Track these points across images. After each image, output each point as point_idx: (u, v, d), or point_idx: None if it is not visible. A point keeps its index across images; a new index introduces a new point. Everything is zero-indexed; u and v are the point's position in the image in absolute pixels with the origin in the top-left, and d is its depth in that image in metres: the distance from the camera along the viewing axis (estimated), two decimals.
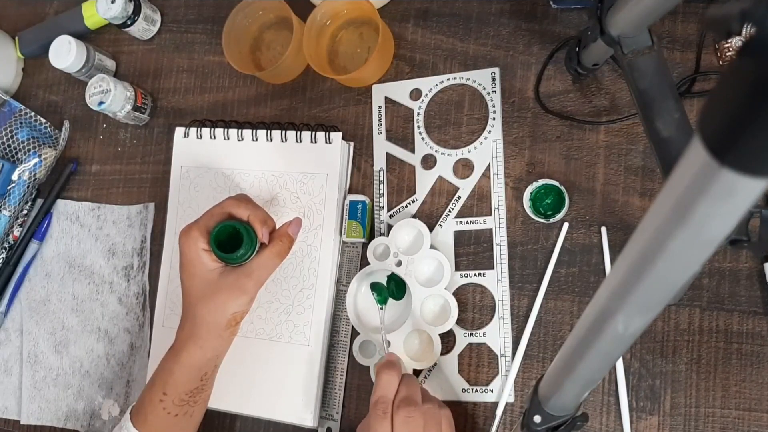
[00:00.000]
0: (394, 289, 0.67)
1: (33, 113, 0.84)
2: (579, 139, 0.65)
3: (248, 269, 0.62)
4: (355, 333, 0.68)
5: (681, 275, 0.28)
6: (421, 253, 0.65)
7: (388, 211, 0.70)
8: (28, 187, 0.82)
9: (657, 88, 0.48)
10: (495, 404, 0.63)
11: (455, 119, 0.69)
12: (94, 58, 0.81)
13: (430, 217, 0.68)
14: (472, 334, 0.65)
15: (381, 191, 0.71)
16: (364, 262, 0.69)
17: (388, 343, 0.65)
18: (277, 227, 0.66)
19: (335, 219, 0.69)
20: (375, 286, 0.67)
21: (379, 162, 0.71)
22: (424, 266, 0.66)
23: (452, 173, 0.68)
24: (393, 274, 0.67)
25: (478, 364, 0.65)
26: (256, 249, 0.63)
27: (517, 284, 0.65)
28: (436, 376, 0.66)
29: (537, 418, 0.44)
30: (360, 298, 0.68)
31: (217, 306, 0.61)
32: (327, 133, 0.70)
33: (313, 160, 0.70)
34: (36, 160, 0.82)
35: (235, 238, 0.62)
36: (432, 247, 0.66)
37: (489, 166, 0.67)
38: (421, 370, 0.66)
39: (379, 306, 0.66)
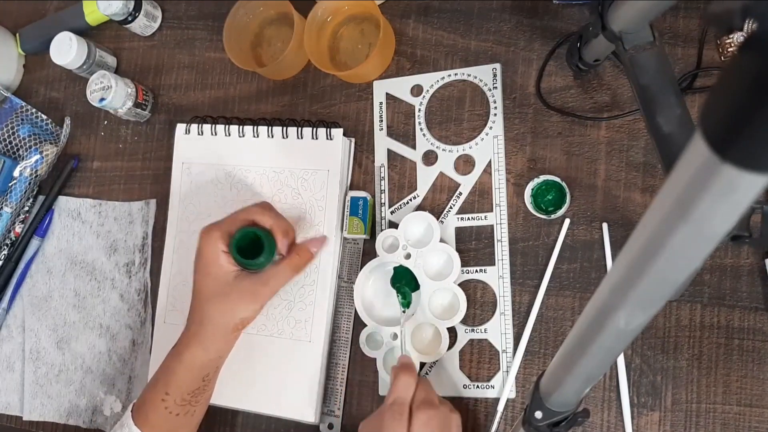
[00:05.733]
0: (401, 282, 0.67)
1: (34, 110, 0.84)
2: (580, 135, 0.65)
3: (264, 277, 0.62)
4: (360, 326, 0.68)
5: (682, 271, 0.28)
6: (430, 246, 0.65)
7: (390, 207, 0.70)
8: (29, 183, 0.82)
9: (658, 84, 0.48)
10: (496, 400, 0.63)
11: (456, 115, 0.69)
12: (95, 54, 0.81)
13: (431, 213, 0.68)
14: (473, 330, 0.65)
15: (382, 187, 0.71)
16: (365, 258, 0.69)
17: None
18: (299, 236, 0.67)
19: (336, 215, 0.69)
20: (400, 289, 0.67)
21: (380, 158, 0.71)
22: (434, 259, 0.66)
23: (453, 169, 0.68)
24: (400, 266, 0.66)
25: (480, 360, 0.65)
26: (275, 258, 0.64)
27: (519, 280, 0.65)
28: (438, 372, 0.66)
29: (538, 414, 0.44)
30: (368, 290, 0.68)
31: (227, 308, 0.61)
32: (328, 130, 0.70)
33: (315, 157, 0.70)
34: (37, 156, 0.82)
35: (255, 244, 0.62)
36: (441, 240, 0.66)
37: (490, 162, 0.67)
38: (424, 364, 0.66)
39: (402, 309, 0.66)
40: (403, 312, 0.66)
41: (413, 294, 0.67)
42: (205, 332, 0.61)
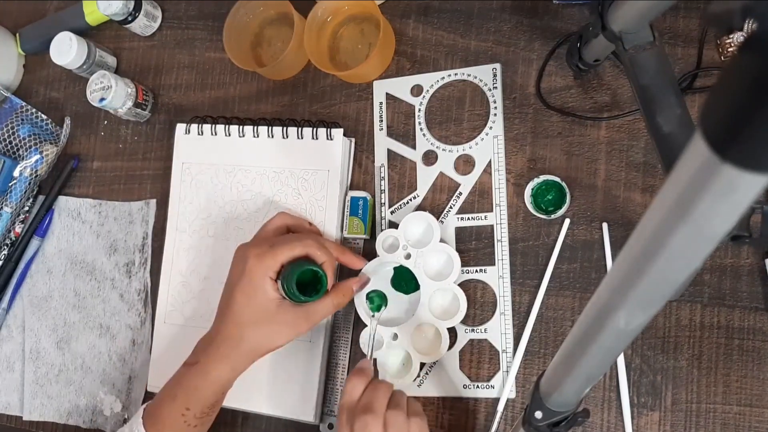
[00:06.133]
0: (401, 282, 0.67)
1: (34, 110, 0.84)
2: (580, 135, 0.65)
3: (308, 311, 0.62)
4: (360, 326, 0.68)
5: (682, 271, 0.28)
6: (431, 246, 0.65)
7: (390, 207, 0.70)
8: (29, 183, 0.82)
9: (658, 84, 0.48)
10: (496, 400, 0.63)
11: (456, 115, 0.69)
12: (95, 54, 0.81)
13: (431, 213, 0.68)
14: (473, 330, 0.65)
15: (382, 187, 0.71)
16: (365, 258, 0.69)
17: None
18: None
19: (336, 215, 0.69)
20: (369, 295, 0.67)
21: (380, 158, 0.71)
22: (434, 259, 0.66)
23: (453, 169, 0.68)
24: (400, 266, 0.66)
25: (480, 360, 0.65)
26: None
27: (519, 280, 0.65)
28: (438, 372, 0.66)
29: (538, 414, 0.44)
30: (368, 290, 0.68)
31: (267, 335, 0.61)
32: (328, 130, 0.70)
33: (315, 157, 0.70)
34: (37, 156, 0.82)
35: (309, 279, 0.62)
36: (441, 240, 0.66)
37: (490, 162, 0.67)
38: (424, 364, 0.66)
39: (371, 314, 0.66)
40: (372, 317, 0.65)
41: (412, 294, 0.67)
42: (239, 355, 0.61)
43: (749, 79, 0.19)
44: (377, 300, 0.66)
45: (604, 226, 0.63)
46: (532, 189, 0.63)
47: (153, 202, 0.80)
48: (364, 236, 0.69)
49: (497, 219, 0.66)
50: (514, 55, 0.68)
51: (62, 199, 0.84)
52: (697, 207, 0.23)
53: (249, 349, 0.61)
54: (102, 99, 0.76)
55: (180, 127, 0.76)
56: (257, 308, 0.61)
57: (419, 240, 0.67)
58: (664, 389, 0.59)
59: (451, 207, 0.68)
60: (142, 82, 0.82)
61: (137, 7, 0.80)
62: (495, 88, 0.68)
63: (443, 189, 0.69)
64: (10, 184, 0.82)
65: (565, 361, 0.39)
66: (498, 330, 0.64)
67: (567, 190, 0.62)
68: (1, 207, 0.82)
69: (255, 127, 0.73)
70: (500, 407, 0.63)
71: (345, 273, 0.69)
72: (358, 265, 0.66)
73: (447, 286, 0.65)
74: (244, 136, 0.73)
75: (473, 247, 0.67)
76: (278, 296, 0.61)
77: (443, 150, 0.69)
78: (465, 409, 0.65)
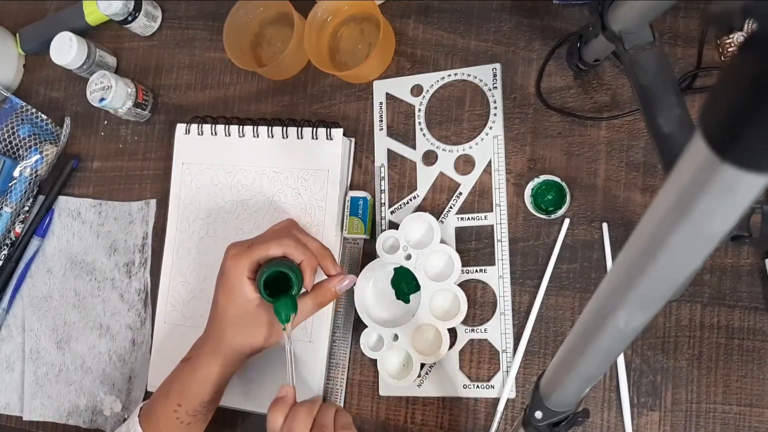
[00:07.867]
0: (402, 282, 0.67)
1: (34, 110, 0.84)
2: (580, 135, 0.65)
3: None
4: (360, 326, 0.68)
5: (682, 271, 0.28)
6: (431, 247, 0.65)
7: (390, 207, 0.70)
8: (29, 183, 0.82)
9: (658, 84, 0.48)
10: (496, 400, 0.63)
11: (456, 115, 0.69)
12: (95, 54, 0.81)
13: (431, 213, 0.68)
14: (473, 330, 0.65)
15: (382, 187, 0.71)
16: (365, 259, 0.69)
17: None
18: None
19: (336, 215, 0.69)
20: (276, 308, 0.59)
21: (380, 158, 0.71)
22: (435, 260, 0.66)
23: (453, 169, 0.68)
24: (401, 266, 0.66)
25: (480, 360, 0.65)
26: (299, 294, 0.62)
27: (519, 280, 0.65)
28: (438, 373, 0.66)
29: (538, 414, 0.44)
30: (368, 290, 0.68)
31: (247, 337, 0.61)
32: (328, 130, 0.70)
33: (315, 157, 0.70)
34: (37, 156, 0.82)
35: (283, 279, 0.60)
36: (441, 241, 0.66)
37: (490, 162, 0.67)
38: (424, 365, 0.66)
39: (283, 326, 0.59)
40: (283, 329, 0.59)
41: (413, 295, 0.67)
42: (223, 354, 0.61)
43: (749, 79, 0.19)
44: (288, 307, 0.59)
45: (604, 226, 0.63)
46: (532, 189, 0.63)
47: (153, 202, 0.80)
48: (364, 236, 0.69)
49: (497, 219, 0.66)
50: (514, 55, 0.68)
51: (62, 199, 0.84)
52: (697, 207, 0.23)
53: (231, 349, 0.61)
54: (102, 99, 0.76)
55: (180, 127, 0.76)
56: (237, 309, 0.61)
57: (420, 241, 0.67)
58: (664, 389, 0.59)
59: (451, 207, 0.68)
60: (142, 82, 0.82)
61: (137, 7, 0.80)
62: (495, 88, 0.68)
63: (443, 189, 0.69)
64: (10, 184, 0.82)
65: (565, 361, 0.39)
66: (498, 330, 0.64)
67: (567, 190, 0.62)
68: (1, 207, 0.82)
69: (255, 127, 0.73)
70: (500, 407, 0.63)
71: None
72: (332, 272, 0.64)
73: (447, 287, 0.65)
74: (244, 136, 0.73)
75: (473, 247, 0.67)
76: (258, 296, 0.61)
77: (443, 150, 0.69)
78: (465, 409, 0.65)
